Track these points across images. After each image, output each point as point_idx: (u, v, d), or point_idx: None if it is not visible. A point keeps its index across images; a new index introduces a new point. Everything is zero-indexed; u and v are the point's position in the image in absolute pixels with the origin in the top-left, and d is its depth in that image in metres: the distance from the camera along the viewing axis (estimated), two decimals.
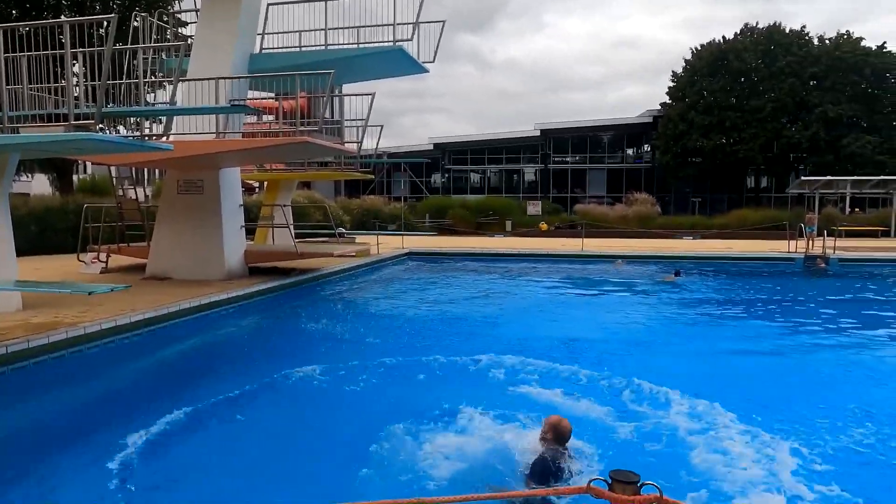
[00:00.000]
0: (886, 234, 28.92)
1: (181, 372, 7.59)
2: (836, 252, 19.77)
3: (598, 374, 7.09)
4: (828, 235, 20.61)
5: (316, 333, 9.79)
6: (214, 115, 11.49)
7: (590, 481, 1.69)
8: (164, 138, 9.59)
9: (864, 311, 12.14)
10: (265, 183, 20.44)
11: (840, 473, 4.66)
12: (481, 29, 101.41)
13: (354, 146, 13.42)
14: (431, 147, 49.62)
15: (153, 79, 11.80)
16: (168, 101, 10.09)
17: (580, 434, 4.81)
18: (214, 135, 10.98)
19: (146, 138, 9.71)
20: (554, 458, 4.20)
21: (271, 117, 14.26)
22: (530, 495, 3.30)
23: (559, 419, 4.46)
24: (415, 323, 10.57)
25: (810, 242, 21.35)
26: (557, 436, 4.34)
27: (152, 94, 14.99)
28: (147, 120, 11.06)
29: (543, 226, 32.32)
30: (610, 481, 1.69)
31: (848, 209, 32.68)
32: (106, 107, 8.63)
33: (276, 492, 4.40)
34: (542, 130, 48.66)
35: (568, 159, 51.06)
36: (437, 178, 52.48)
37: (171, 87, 10.49)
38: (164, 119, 10.39)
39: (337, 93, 14.00)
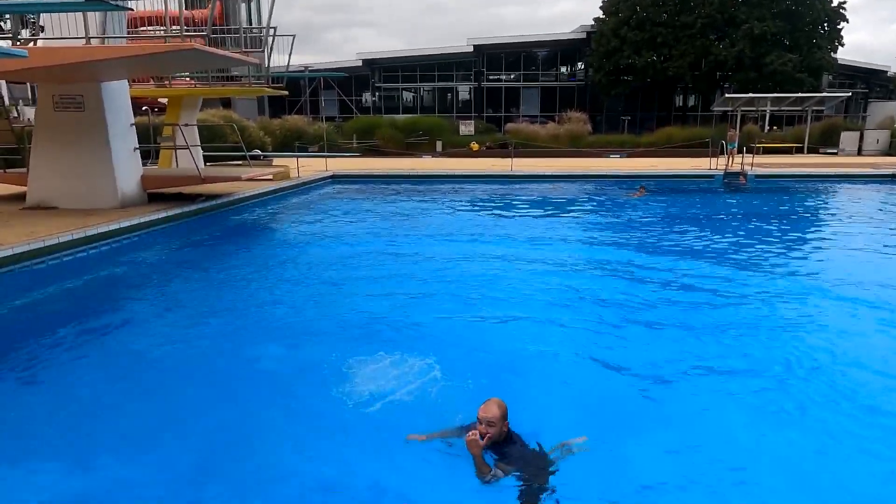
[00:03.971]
0: (800, 151, 30.14)
1: (48, 319, 6.78)
2: (754, 168, 20.33)
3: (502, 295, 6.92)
4: (747, 152, 21.11)
5: (214, 268, 9.07)
6: (89, 19, 10.02)
7: None
8: (17, 43, 8.22)
9: (775, 226, 12.50)
10: None
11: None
12: None
13: (257, 57, 12.16)
14: (360, 63, 47.03)
15: None
16: None
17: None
18: (84, 40, 9.55)
19: None
20: (519, 439, 3.61)
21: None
22: None
23: (488, 404, 3.61)
24: (329, 253, 9.96)
25: (730, 159, 21.87)
26: (503, 415, 3.60)
27: None
28: None
29: (474, 146, 31.67)
30: None
31: (767, 127, 33.66)
32: None
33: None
34: (475, 46, 46.88)
35: (502, 77, 49.80)
36: (367, 97, 50.20)
37: None
38: (20, 20, 8.90)
39: None
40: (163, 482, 3.51)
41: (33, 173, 11.66)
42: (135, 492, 3.44)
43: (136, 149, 12.31)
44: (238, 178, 12.91)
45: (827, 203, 16.53)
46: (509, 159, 22.85)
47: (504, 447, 3.53)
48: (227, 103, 38.26)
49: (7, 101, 23.45)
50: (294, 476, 3.59)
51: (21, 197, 12.34)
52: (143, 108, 24.99)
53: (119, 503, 3.39)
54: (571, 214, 13.84)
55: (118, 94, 11.83)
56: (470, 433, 3.49)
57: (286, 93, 16.32)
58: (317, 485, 3.52)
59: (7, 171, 12.97)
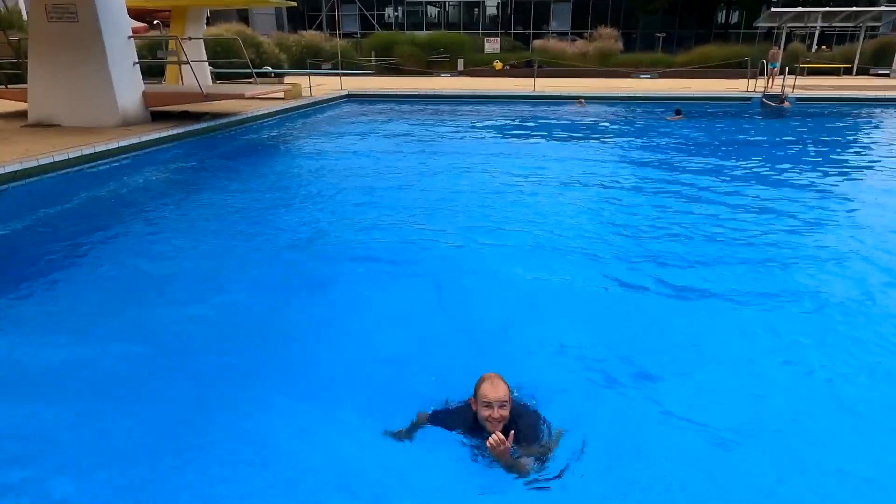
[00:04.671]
0: (849, 73, 28.00)
1: (38, 238, 6.65)
2: (795, 91, 18.92)
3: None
4: (789, 73, 19.58)
5: (210, 190, 8.78)
6: None
7: None
8: None
9: (813, 155, 11.65)
10: None
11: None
12: None
13: None
14: None
15: None
16: None
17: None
18: None
19: None
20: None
21: None
22: None
23: (493, 382, 2.95)
24: (333, 174, 9.54)
25: (770, 80, 20.37)
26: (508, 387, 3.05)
27: None
28: None
29: (498, 64, 30.17)
30: None
31: (815, 46, 31.17)
32: None
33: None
34: None
35: None
36: (390, 13, 47.90)
37: None
38: None
39: None
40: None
41: (31, 89, 11.35)
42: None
43: (135, 63, 11.83)
44: (241, 96, 12.41)
45: (873, 131, 15.31)
46: (532, 79, 21.72)
47: (512, 421, 2.91)
48: (244, 17, 36.88)
49: (25, 15, 22.82)
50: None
51: (24, 114, 12.09)
52: (155, 22, 24.11)
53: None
54: (592, 139, 13.09)
55: (113, 4, 11.23)
56: (492, 438, 2.77)
57: (294, 4, 15.42)
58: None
59: (8, 86, 12.67)
